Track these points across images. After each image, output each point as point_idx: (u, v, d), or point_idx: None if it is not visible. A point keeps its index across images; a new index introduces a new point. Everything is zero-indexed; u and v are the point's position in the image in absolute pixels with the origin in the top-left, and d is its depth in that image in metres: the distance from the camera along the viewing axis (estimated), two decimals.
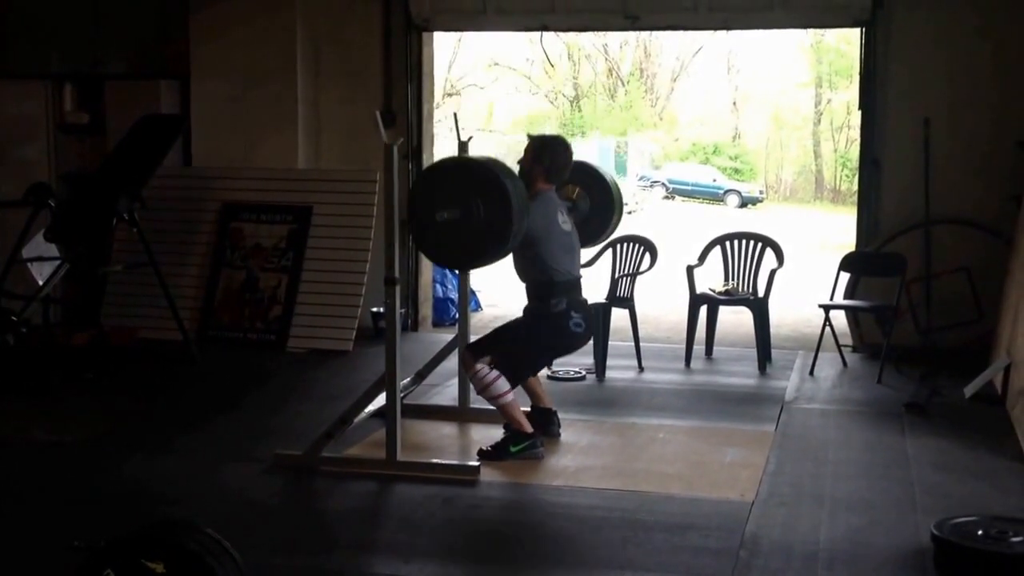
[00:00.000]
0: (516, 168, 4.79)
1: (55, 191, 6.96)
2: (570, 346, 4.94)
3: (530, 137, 5.01)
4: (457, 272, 8.01)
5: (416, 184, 4.48)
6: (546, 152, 4.85)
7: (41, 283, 6.72)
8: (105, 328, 7.28)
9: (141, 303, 7.31)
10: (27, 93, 8.02)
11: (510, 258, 4.75)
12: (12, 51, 8.09)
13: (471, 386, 5.40)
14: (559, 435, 5.06)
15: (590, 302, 6.46)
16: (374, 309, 7.22)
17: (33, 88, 8.00)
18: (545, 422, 5.03)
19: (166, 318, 6.83)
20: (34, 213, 6.67)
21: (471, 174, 4.43)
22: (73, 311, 7.52)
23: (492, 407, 4.87)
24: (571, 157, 4.94)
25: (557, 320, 4.79)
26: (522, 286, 4.96)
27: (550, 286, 4.78)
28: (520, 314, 5.00)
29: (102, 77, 7.91)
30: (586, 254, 6.93)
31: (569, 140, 5.09)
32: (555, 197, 4.91)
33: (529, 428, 4.77)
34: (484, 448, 4.76)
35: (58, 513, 4.12)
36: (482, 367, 4.73)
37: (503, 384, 4.72)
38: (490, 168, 4.41)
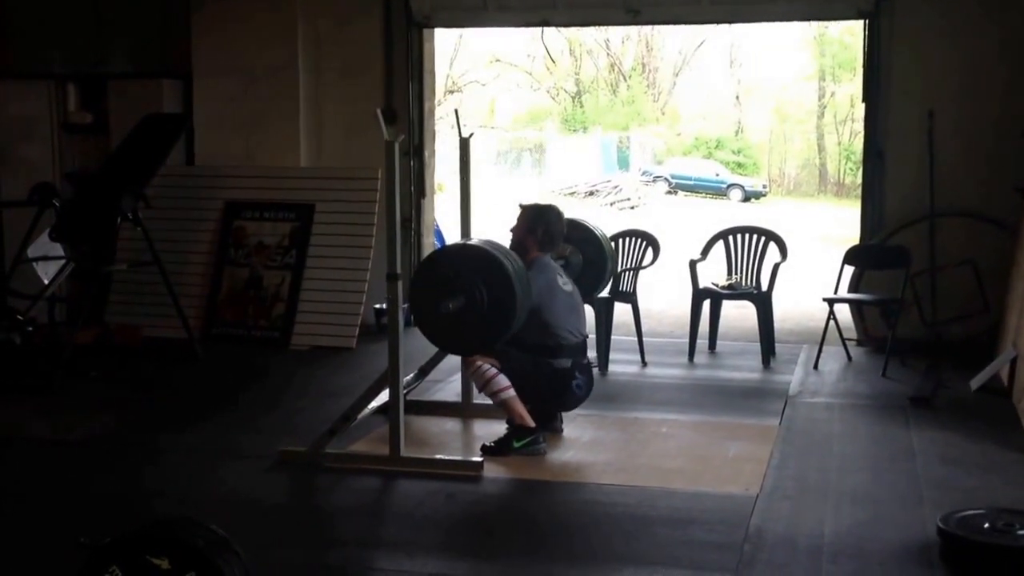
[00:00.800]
0: (508, 237, 4.87)
1: (59, 191, 6.98)
2: (567, 404, 4.98)
3: (523, 207, 5.03)
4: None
5: (416, 275, 4.56)
6: (540, 223, 4.91)
7: (46, 282, 6.75)
8: (110, 326, 7.29)
9: (145, 301, 7.32)
10: (31, 93, 8.04)
11: None
12: (15, 51, 8.11)
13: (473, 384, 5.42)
14: (562, 431, 5.06)
15: (593, 296, 6.53)
16: (377, 305, 7.22)
17: (37, 88, 8.02)
18: (547, 418, 5.03)
19: (170, 316, 6.84)
20: (39, 213, 6.69)
21: (470, 260, 4.46)
22: (78, 310, 7.52)
23: (478, 401, 4.93)
24: (564, 226, 5.00)
25: (561, 377, 4.84)
26: None
27: (556, 348, 4.83)
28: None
29: (105, 77, 7.92)
30: None
31: (563, 212, 5.10)
32: (551, 262, 4.97)
33: (532, 423, 4.77)
34: (487, 444, 4.76)
35: (63, 510, 4.13)
36: (482, 363, 4.74)
37: (503, 379, 4.73)
38: (488, 252, 4.45)
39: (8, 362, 6.23)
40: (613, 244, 6.79)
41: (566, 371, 4.84)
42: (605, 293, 6.60)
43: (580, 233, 5.39)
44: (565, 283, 4.94)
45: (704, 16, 7.58)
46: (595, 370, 6.32)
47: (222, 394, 6.04)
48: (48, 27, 8.03)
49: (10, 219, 7.65)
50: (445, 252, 4.79)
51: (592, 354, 6.40)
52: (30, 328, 6.37)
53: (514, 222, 5.00)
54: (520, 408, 4.78)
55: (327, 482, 4.45)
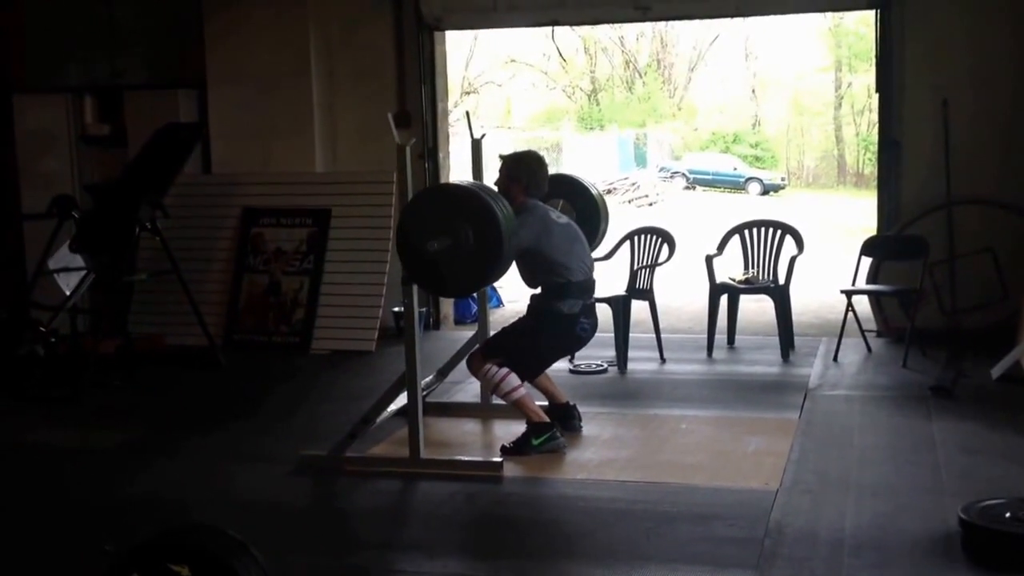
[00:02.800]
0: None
1: (79, 202, 7.05)
2: (573, 348, 4.97)
3: (502, 157, 5.01)
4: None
5: (402, 216, 4.45)
6: (520, 168, 4.87)
7: (68, 293, 6.81)
8: (132, 336, 7.36)
9: (166, 310, 7.39)
10: (49, 106, 8.12)
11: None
12: (33, 66, 8.19)
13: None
14: (581, 429, 5.07)
15: (610, 294, 6.54)
16: (395, 309, 7.25)
17: (54, 101, 8.10)
18: (565, 416, 5.04)
19: (191, 324, 6.90)
20: (59, 225, 6.75)
21: (456, 200, 4.40)
22: (100, 320, 7.60)
23: (498, 401, 4.91)
24: (546, 170, 4.96)
25: (568, 322, 4.80)
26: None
27: (566, 287, 4.78)
28: (525, 312, 4.99)
29: (121, 88, 8.00)
30: (604, 247, 6.96)
31: (543, 157, 5.10)
32: (539, 203, 4.90)
33: (546, 418, 4.79)
34: (506, 444, 4.77)
35: (87, 518, 4.18)
36: (489, 367, 4.75)
37: (513, 379, 4.74)
38: (476, 193, 4.39)
39: (32, 373, 6.30)
40: (629, 242, 6.82)
41: (573, 316, 4.77)
42: (622, 291, 6.63)
43: (570, 187, 5.30)
44: (559, 217, 4.88)
45: (714, 11, 7.56)
46: (614, 369, 6.38)
47: (244, 400, 6.08)
48: (64, 41, 8.11)
49: (31, 231, 7.74)
50: (431, 192, 4.68)
51: (610, 352, 6.46)
52: (53, 339, 6.44)
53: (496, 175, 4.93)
54: (533, 405, 4.79)
55: (348, 485, 4.48)
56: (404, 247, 4.39)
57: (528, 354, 4.82)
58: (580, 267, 4.84)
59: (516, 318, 5.12)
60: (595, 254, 6.89)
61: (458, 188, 4.57)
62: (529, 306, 4.94)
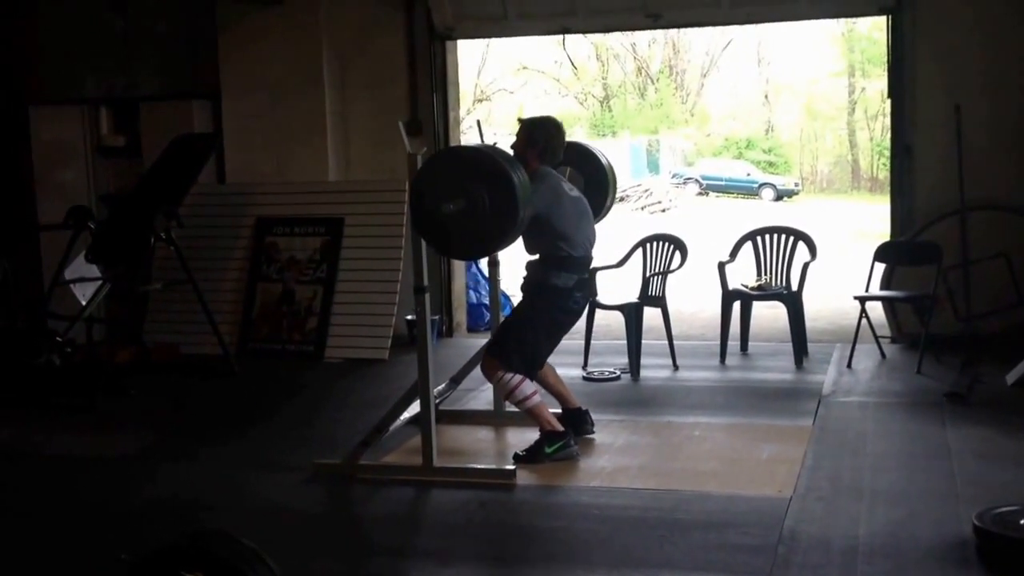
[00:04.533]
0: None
1: (94, 213, 7.09)
2: (568, 323, 4.88)
3: (521, 121, 4.95)
4: (476, 263, 8.03)
5: (418, 176, 4.40)
6: (538, 132, 4.81)
7: (84, 303, 6.85)
8: (147, 345, 7.41)
9: (181, 319, 7.43)
10: (65, 118, 8.18)
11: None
12: (49, 78, 8.26)
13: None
14: (593, 434, 5.07)
15: (622, 302, 6.54)
16: (408, 317, 7.26)
17: (70, 113, 8.17)
18: (578, 422, 5.04)
19: (206, 333, 6.93)
20: (75, 235, 6.80)
21: (473, 164, 4.35)
22: (116, 329, 7.66)
23: (512, 409, 4.90)
24: (564, 137, 4.89)
25: (563, 296, 4.75)
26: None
27: (566, 261, 4.73)
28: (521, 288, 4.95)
29: (136, 100, 8.06)
30: (616, 254, 6.98)
31: (562, 123, 4.99)
32: (553, 171, 4.85)
33: (560, 427, 4.78)
34: (519, 452, 4.77)
35: (102, 525, 4.21)
36: (503, 373, 4.74)
37: (527, 387, 4.74)
38: (492, 157, 4.34)
39: (49, 382, 6.35)
40: (641, 249, 6.82)
41: (568, 289, 4.74)
42: (634, 298, 6.63)
43: (579, 155, 5.23)
44: (571, 189, 4.84)
45: (725, 18, 7.54)
46: (627, 376, 6.37)
47: (258, 408, 6.10)
48: (80, 53, 8.17)
49: (47, 242, 7.80)
50: (449, 154, 4.61)
51: (623, 360, 6.46)
52: (69, 349, 6.48)
53: (514, 138, 4.87)
54: (547, 413, 4.79)
55: (361, 493, 4.49)
56: (417, 207, 4.34)
57: (530, 341, 4.78)
58: (583, 242, 4.79)
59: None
60: (606, 261, 6.95)
61: (475, 150, 4.53)
62: (525, 279, 4.87)
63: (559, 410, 5.07)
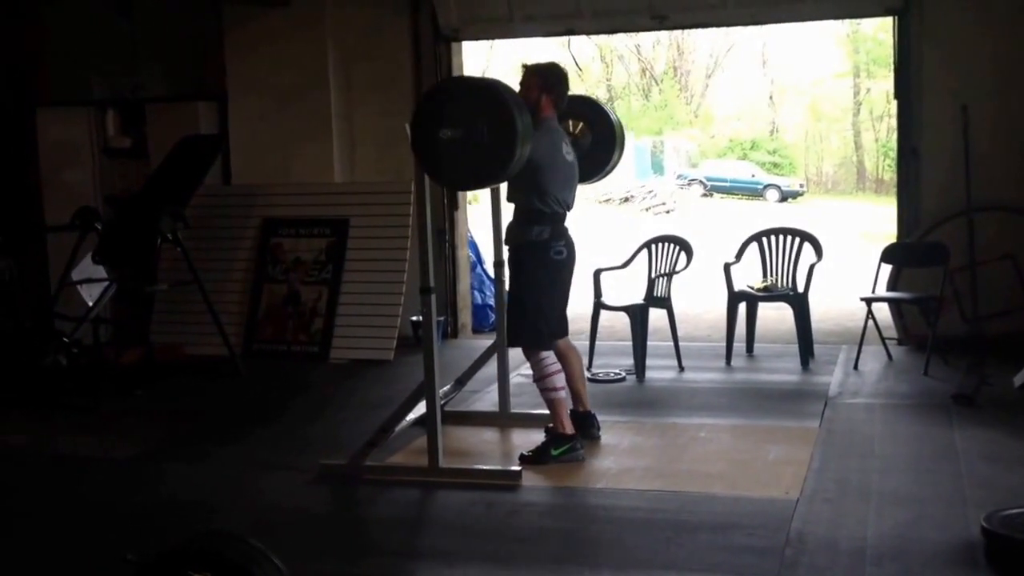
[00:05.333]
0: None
1: (101, 214, 7.11)
2: (559, 277, 4.84)
3: (529, 67, 4.89)
4: (481, 264, 7.96)
5: (424, 98, 4.39)
6: (553, 79, 4.78)
7: (90, 304, 6.87)
8: (153, 346, 7.41)
9: (187, 320, 7.43)
10: (72, 119, 8.20)
11: None
12: (56, 79, 8.27)
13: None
14: (599, 437, 5.06)
15: (628, 303, 6.53)
16: (414, 318, 7.26)
17: (77, 114, 8.18)
18: (585, 424, 5.03)
19: (212, 334, 6.93)
20: (81, 236, 6.81)
21: (478, 95, 4.32)
22: (122, 330, 7.66)
23: (533, 411, 4.87)
24: (567, 79, 4.87)
25: (540, 250, 4.73)
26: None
27: (539, 215, 4.72)
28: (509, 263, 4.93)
29: (143, 101, 8.07)
30: (621, 255, 6.97)
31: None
32: (559, 127, 4.84)
33: (571, 430, 4.77)
34: (525, 453, 4.77)
35: (109, 526, 4.21)
36: (548, 355, 4.74)
37: (560, 380, 4.75)
38: (499, 90, 4.32)
39: (56, 383, 6.36)
40: (646, 250, 6.81)
41: (543, 242, 4.71)
42: (640, 299, 6.62)
43: (591, 110, 5.20)
44: (568, 152, 4.82)
45: (730, 19, 7.53)
46: (632, 377, 6.36)
47: (264, 409, 6.10)
48: (86, 54, 8.18)
49: (54, 243, 7.81)
50: (456, 82, 4.61)
51: (628, 361, 6.45)
52: (76, 350, 6.49)
53: (520, 82, 4.78)
54: (564, 412, 4.78)
55: (367, 494, 4.49)
56: (416, 129, 4.33)
57: (532, 309, 4.76)
58: (560, 202, 4.75)
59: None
60: (612, 262, 6.95)
61: (484, 83, 4.50)
62: (510, 250, 4.87)
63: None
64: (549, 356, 4.76)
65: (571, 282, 4.97)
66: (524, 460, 4.70)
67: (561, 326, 4.97)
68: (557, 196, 4.73)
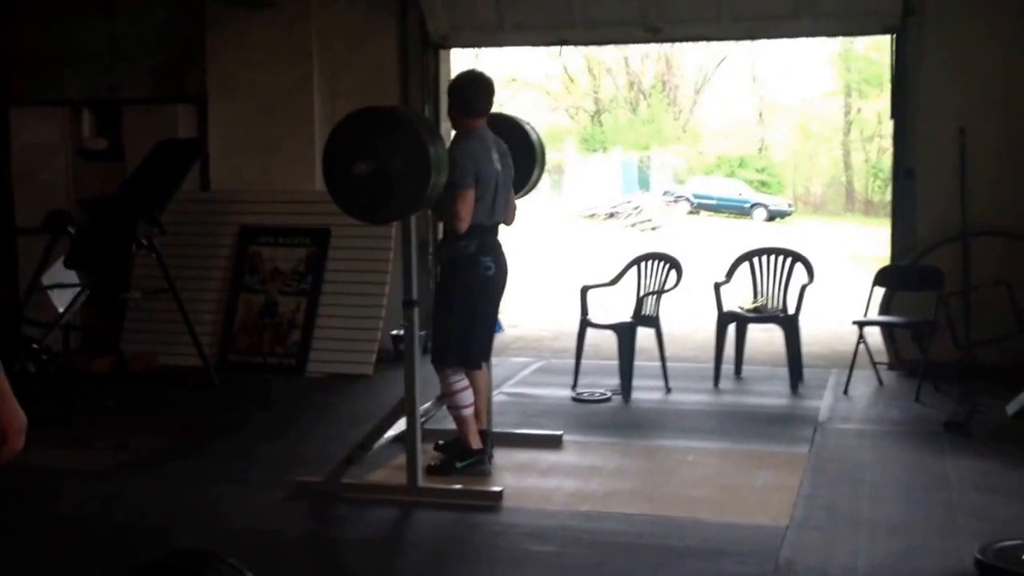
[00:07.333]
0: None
1: (74, 217, 6.93)
2: (486, 294, 4.74)
3: (449, 85, 4.87)
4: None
5: (331, 135, 4.33)
6: (455, 89, 4.72)
7: (61, 310, 6.71)
8: (125, 355, 7.24)
9: (160, 329, 7.27)
10: (46, 120, 8.04)
11: None
12: (31, 78, 8.10)
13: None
14: (490, 468, 4.87)
15: (616, 321, 6.40)
16: (394, 332, 7.11)
17: (52, 115, 8.02)
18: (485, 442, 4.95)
19: (185, 344, 6.78)
20: (53, 240, 6.66)
21: (387, 126, 4.26)
22: (93, 338, 7.49)
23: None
24: (487, 87, 4.73)
25: (468, 265, 4.64)
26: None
27: (469, 228, 4.61)
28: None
29: (120, 103, 7.91)
30: (610, 272, 6.85)
31: (485, 75, 4.81)
32: (488, 134, 4.73)
33: (477, 445, 4.77)
34: (431, 463, 4.75)
35: (79, 542, 4.06)
36: (452, 372, 4.71)
37: (467, 397, 4.73)
38: (405, 117, 4.30)
39: (24, 391, 6.16)
40: (635, 268, 6.70)
41: (470, 256, 4.61)
42: (627, 317, 6.49)
43: (505, 124, 5.08)
44: (496, 160, 4.69)
45: (725, 33, 7.44)
46: (618, 398, 6.23)
47: (238, 422, 5.97)
48: (64, 54, 8.02)
49: (25, 246, 7.64)
50: (361, 115, 4.42)
51: (614, 380, 6.32)
52: (45, 357, 6.32)
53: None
54: (471, 429, 4.77)
55: (344, 513, 4.38)
56: (328, 166, 4.28)
57: (456, 329, 4.68)
58: (487, 211, 4.64)
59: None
60: (599, 279, 6.83)
61: (388, 111, 4.44)
62: (440, 268, 4.81)
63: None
64: (458, 373, 4.71)
65: (500, 300, 4.90)
66: (431, 471, 4.69)
67: (488, 347, 4.92)
68: (480, 204, 4.60)
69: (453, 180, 4.41)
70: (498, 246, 4.76)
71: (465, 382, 4.72)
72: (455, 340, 4.70)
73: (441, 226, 4.77)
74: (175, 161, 6.96)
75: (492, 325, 4.95)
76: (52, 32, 8.03)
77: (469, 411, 4.75)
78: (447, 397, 4.76)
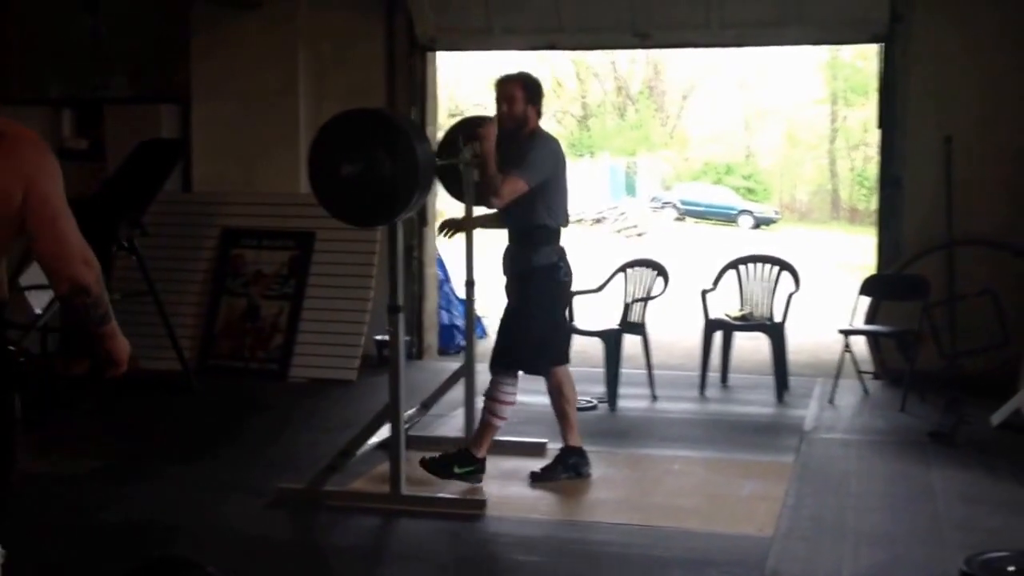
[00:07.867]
0: (498, 113, 4.61)
1: None
2: (564, 299, 4.84)
3: (509, 77, 4.68)
4: (448, 282, 7.78)
5: (317, 137, 4.29)
6: (537, 87, 4.66)
7: (39, 312, 6.61)
8: (102, 358, 7.14)
9: (140, 332, 7.11)
10: (26, 119, 7.84)
11: None
12: (11, 76, 8.00)
13: (476, 417, 5.25)
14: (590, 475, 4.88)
15: (602, 328, 6.37)
16: (378, 337, 7.05)
17: (32, 114, 7.86)
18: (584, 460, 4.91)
19: (166, 347, 6.69)
20: None
21: (377, 127, 4.23)
22: (71, 340, 7.39)
23: (500, 438, 4.77)
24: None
25: (550, 273, 4.63)
26: None
27: (545, 233, 4.60)
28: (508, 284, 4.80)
29: (102, 102, 7.82)
30: (597, 278, 6.82)
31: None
32: (552, 134, 4.75)
33: (482, 455, 4.71)
34: (427, 458, 4.67)
35: (58, 549, 4.00)
36: (503, 380, 4.64)
37: (507, 411, 4.69)
38: (394, 119, 4.27)
39: None
40: (622, 274, 6.66)
41: (553, 265, 4.62)
42: (614, 324, 6.45)
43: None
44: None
45: (714, 40, 7.43)
46: (604, 406, 6.19)
47: (218, 428, 5.89)
48: (45, 52, 7.93)
49: None
50: (347, 116, 4.40)
51: (600, 388, 6.28)
52: (22, 359, 6.21)
53: (501, 94, 4.63)
54: (489, 439, 4.72)
55: (326, 520, 4.33)
56: (315, 169, 4.24)
57: (544, 336, 4.66)
58: (565, 214, 4.68)
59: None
60: (585, 285, 6.78)
61: (374, 113, 4.44)
62: (511, 274, 4.72)
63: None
64: (512, 385, 4.66)
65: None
66: (424, 464, 4.63)
67: (566, 351, 4.93)
68: (562, 207, 4.63)
69: (518, 167, 4.38)
70: (564, 252, 4.77)
71: (514, 396, 4.66)
72: (532, 348, 4.64)
73: (507, 235, 4.70)
74: (157, 162, 6.88)
75: (569, 330, 4.96)
76: (36, 31, 7.92)
77: (501, 423, 4.70)
78: (490, 401, 4.68)
